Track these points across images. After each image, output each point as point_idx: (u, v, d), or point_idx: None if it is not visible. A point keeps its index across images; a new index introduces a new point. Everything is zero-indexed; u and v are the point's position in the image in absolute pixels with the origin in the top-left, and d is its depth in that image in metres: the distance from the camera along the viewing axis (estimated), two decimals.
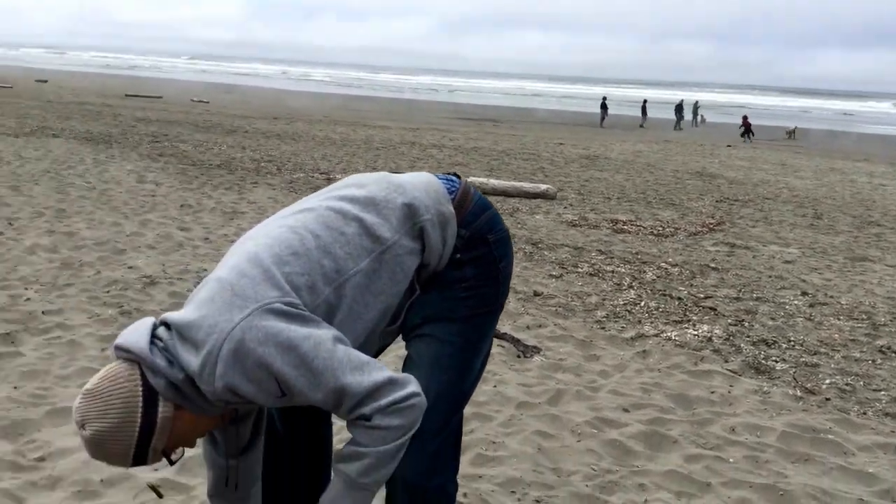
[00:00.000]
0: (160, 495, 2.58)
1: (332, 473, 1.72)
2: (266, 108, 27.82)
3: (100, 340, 3.95)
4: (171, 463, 1.68)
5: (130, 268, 5.32)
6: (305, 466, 2.10)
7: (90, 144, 12.17)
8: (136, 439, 1.58)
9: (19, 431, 3.02)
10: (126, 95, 29.77)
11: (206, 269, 5.34)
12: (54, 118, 16.54)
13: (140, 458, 1.62)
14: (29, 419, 3.10)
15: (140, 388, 1.58)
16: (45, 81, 36.97)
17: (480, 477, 2.87)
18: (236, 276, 1.63)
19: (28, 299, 4.50)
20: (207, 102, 29.70)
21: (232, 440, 1.91)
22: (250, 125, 18.66)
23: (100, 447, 1.59)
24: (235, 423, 1.88)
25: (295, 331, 1.58)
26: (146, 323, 1.66)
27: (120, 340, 1.63)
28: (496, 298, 1.92)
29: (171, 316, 1.65)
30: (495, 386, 3.73)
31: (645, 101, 37.76)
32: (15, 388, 3.37)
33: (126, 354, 1.62)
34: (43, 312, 4.28)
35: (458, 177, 1.95)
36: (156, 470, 2.75)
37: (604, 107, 35.55)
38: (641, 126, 34.66)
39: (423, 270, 1.82)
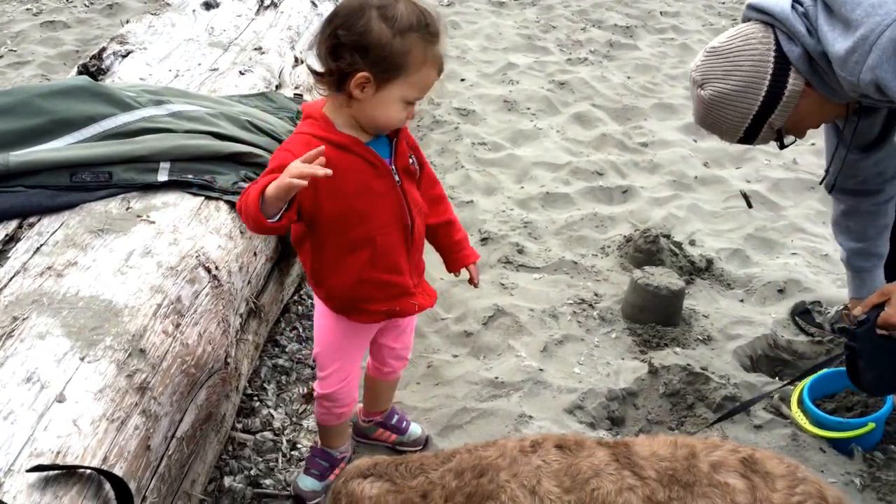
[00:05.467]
0: (750, 205, 2.56)
1: None
2: None
3: None
4: (782, 147, 1.47)
5: None
6: None
7: None
8: (756, 108, 1.41)
9: (628, 116, 3.23)
10: None
11: None
12: None
13: (752, 133, 1.45)
14: (638, 107, 3.29)
15: (772, 54, 1.39)
16: None
17: None
18: None
19: None
20: None
21: (860, 135, 1.57)
22: None
23: (715, 110, 1.45)
24: (861, 114, 1.54)
25: None
26: None
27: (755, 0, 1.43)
28: None
29: None
30: None
31: None
32: (629, 77, 3.58)
33: (760, 16, 1.41)
34: (661, 13, 4.36)
35: None
36: (748, 182, 2.73)
37: None
38: None
39: None
